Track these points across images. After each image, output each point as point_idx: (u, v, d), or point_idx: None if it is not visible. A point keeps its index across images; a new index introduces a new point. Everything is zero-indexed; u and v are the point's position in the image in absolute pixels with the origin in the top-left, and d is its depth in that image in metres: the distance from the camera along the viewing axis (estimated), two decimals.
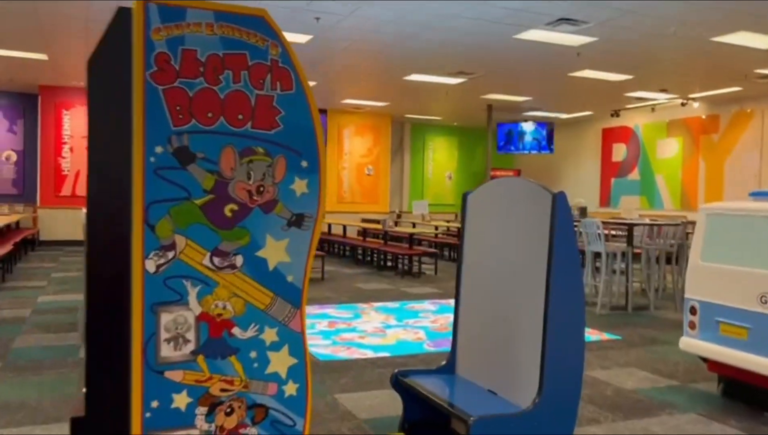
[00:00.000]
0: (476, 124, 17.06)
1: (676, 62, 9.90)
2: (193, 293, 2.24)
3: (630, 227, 7.57)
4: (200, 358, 2.26)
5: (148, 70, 2.15)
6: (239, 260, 2.30)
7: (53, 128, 13.66)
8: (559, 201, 2.87)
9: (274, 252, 2.35)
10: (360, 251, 11.83)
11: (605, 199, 16.09)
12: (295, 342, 2.39)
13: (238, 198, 2.28)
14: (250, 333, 2.32)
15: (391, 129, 16.89)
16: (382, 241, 11.01)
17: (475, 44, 8.98)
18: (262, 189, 2.32)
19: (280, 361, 2.37)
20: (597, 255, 7.53)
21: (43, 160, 13.68)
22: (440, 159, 18.48)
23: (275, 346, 2.36)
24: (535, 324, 2.97)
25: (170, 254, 2.21)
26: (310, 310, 6.82)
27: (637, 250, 7.59)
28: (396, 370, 3.23)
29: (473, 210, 3.50)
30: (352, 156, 16.32)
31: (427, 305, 7.33)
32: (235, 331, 2.30)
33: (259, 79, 2.30)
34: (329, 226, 13.51)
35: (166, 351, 2.21)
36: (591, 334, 5.99)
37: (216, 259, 2.27)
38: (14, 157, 14.19)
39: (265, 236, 2.33)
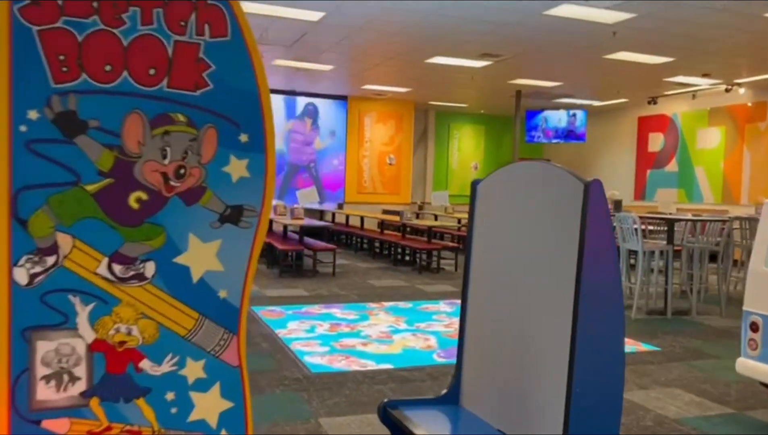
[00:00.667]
0: (504, 111, 16.26)
1: (723, 43, 9.03)
2: (83, 314, 1.63)
3: (670, 222, 6.82)
4: (94, 402, 1.66)
5: (16, 2, 1.54)
6: (150, 268, 1.69)
7: None
8: (593, 191, 2.22)
9: (201, 258, 1.73)
10: (377, 244, 11.22)
11: (640, 192, 15.19)
12: (231, 379, 1.78)
13: (149, 183, 1.67)
14: (166, 367, 1.72)
15: (414, 116, 16.19)
16: (400, 234, 10.38)
17: (500, 21, 8.24)
18: (182, 171, 1.70)
19: (208, 405, 1.76)
20: (631, 253, 6.80)
21: None
22: (466, 148, 17.73)
23: (201, 385, 1.75)
24: (560, 342, 2.34)
25: (50, 260, 1.60)
26: (312, 310, 6.23)
27: (676, 248, 6.83)
28: (384, 401, 2.60)
29: (484, 202, 2.85)
30: (373, 144, 15.67)
31: (442, 306, 6.68)
32: (145, 364, 1.69)
33: (180, 20, 1.68)
34: (347, 217, 12.91)
35: (45, 393, 1.62)
36: (626, 344, 5.28)
37: (117, 268, 1.66)
38: None
39: (187, 236, 1.72)
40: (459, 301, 6.32)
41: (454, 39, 9.31)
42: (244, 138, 1.75)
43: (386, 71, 12.28)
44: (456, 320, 5.77)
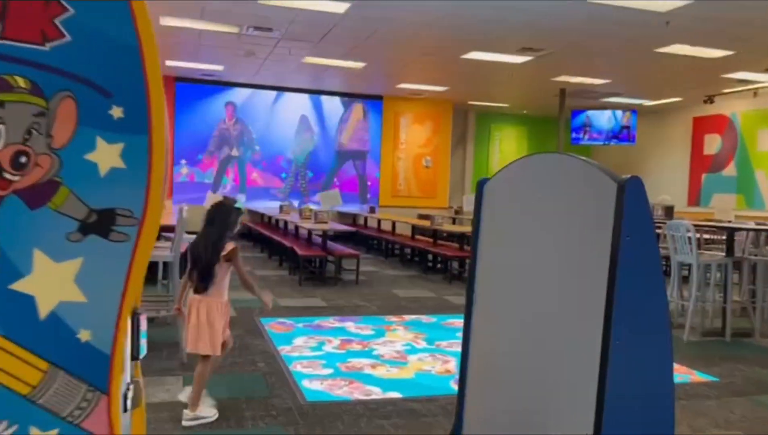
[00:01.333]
0: (548, 112, 15.45)
1: None
2: None
3: (729, 232, 6.05)
4: None
5: None
6: None
7: None
8: (630, 191, 1.66)
9: (51, 284, 1.22)
10: (408, 251, 10.64)
11: (694, 197, 14.20)
12: None
13: None
14: None
15: (452, 117, 15.56)
16: (431, 240, 9.78)
17: (541, 11, 7.58)
18: (23, 159, 1.19)
19: None
20: (683, 265, 6.06)
21: None
22: (508, 151, 16.98)
23: None
24: (588, 371, 1.82)
25: None
26: (325, 323, 5.71)
27: (736, 260, 6.05)
28: None
29: (494, 203, 2.28)
30: (409, 146, 15.10)
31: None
32: None
33: None
34: (378, 221, 12.38)
35: None
36: (677, 372, 4.59)
37: None
38: None
39: (31, 253, 1.21)
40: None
41: (491, 32, 8.69)
42: (117, 112, 1.23)
43: (421, 68, 11.72)
44: None
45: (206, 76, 13.17)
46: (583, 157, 1.92)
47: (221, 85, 13.58)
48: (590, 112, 14.77)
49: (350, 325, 5.62)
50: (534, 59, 10.19)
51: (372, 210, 12.80)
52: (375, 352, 4.74)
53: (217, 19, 8.65)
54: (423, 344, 5.06)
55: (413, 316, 6.13)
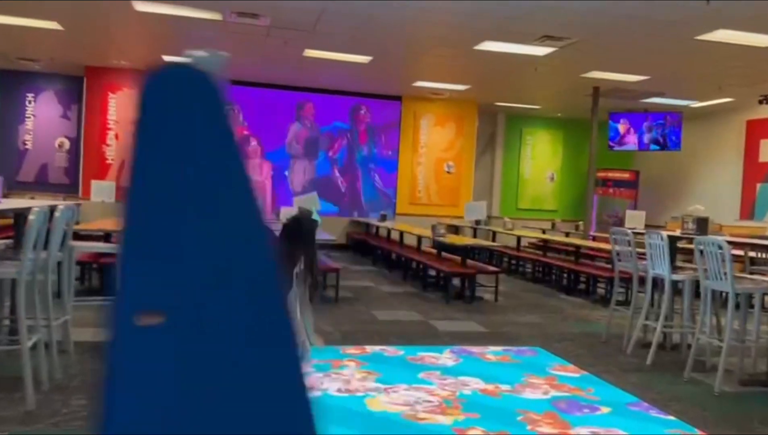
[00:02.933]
0: (584, 114, 14.07)
1: None
2: None
3: None
4: None
5: None
6: None
7: (98, 113, 12.59)
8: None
9: None
10: (414, 265, 9.57)
11: (748, 210, 12.65)
12: None
13: None
14: None
15: (478, 120, 14.41)
16: (435, 253, 8.70)
17: None
18: None
19: None
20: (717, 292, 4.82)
21: (87, 147, 12.64)
22: (541, 156, 15.72)
23: None
24: None
25: None
26: None
27: None
28: None
29: None
30: (430, 150, 14.02)
31: (444, 357, 4.97)
32: None
33: None
34: (388, 232, 11.35)
35: None
36: None
37: None
38: (67, 144, 13.28)
39: None
40: (474, 350, 4.48)
41: (505, 17, 7.59)
42: None
43: (434, 63, 10.67)
44: (454, 381, 4.07)
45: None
46: None
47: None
48: (630, 115, 13.40)
49: None
50: (558, 50, 9.01)
51: (383, 217, 11.78)
52: None
53: (196, 4, 7.84)
54: (370, 386, 4.01)
55: (378, 348, 5.07)
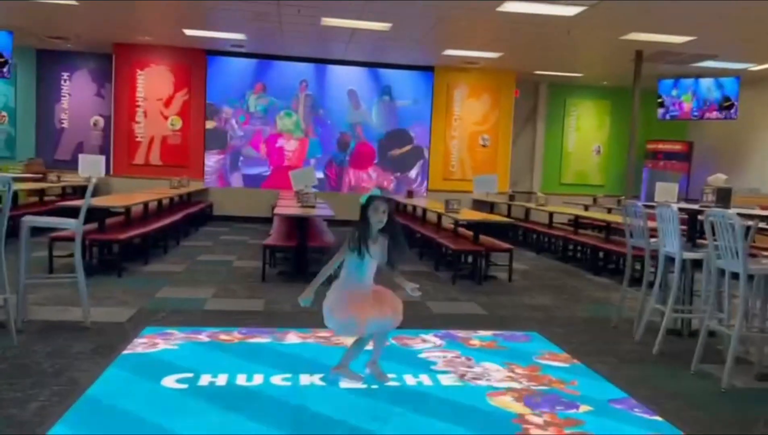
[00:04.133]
0: (632, 83, 13.20)
1: None
2: None
3: None
4: None
5: None
6: None
7: (127, 90, 12.60)
8: None
9: None
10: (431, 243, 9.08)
11: None
12: None
13: None
14: None
15: (519, 91, 13.66)
16: (452, 229, 8.21)
17: None
18: None
19: None
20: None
21: (117, 125, 12.69)
22: (586, 128, 14.83)
23: None
24: None
25: None
26: (203, 336, 4.40)
27: None
28: None
29: None
30: (464, 123, 13.40)
31: (430, 340, 4.54)
32: None
33: None
34: (414, 208, 10.89)
35: None
36: None
37: None
38: (102, 122, 13.38)
39: None
40: (460, 334, 4.08)
41: None
42: None
43: (460, 29, 10.04)
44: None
45: (235, 48, 12.23)
46: None
47: (250, 57, 12.63)
48: (681, 81, 12.38)
49: (253, 338, 4.29)
50: (589, 10, 8.27)
51: (410, 194, 11.33)
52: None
53: None
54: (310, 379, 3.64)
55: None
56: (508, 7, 8.40)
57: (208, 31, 10.87)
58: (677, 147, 14.06)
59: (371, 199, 3.28)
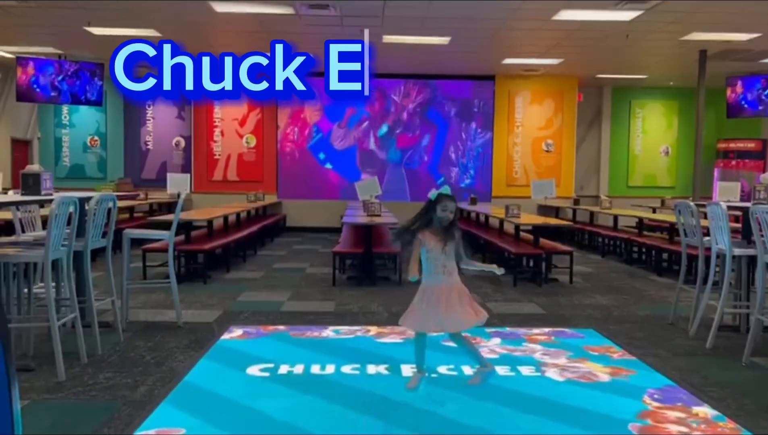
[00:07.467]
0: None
1: None
2: None
3: None
4: None
5: None
6: None
7: (204, 112, 13.47)
8: None
9: None
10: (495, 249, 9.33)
11: None
12: None
13: None
14: None
15: (582, 95, 13.72)
16: (512, 234, 8.46)
17: None
18: None
19: None
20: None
21: (196, 145, 13.58)
22: (653, 129, 14.69)
23: None
24: None
25: None
26: (270, 330, 4.86)
27: None
28: None
29: None
30: (527, 129, 13.57)
31: (485, 340, 4.87)
32: None
33: None
34: (477, 215, 11.16)
35: None
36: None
37: None
38: (183, 143, 14.34)
39: None
40: (509, 334, 4.39)
41: None
42: None
43: (517, 39, 10.30)
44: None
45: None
46: None
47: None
48: (750, 78, 12.12)
49: (326, 333, 4.74)
50: (645, 14, 8.39)
51: (473, 201, 11.61)
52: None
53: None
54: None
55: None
56: (563, 16, 8.63)
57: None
58: (750, 145, 13.73)
59: (441, 196, 3.43)
